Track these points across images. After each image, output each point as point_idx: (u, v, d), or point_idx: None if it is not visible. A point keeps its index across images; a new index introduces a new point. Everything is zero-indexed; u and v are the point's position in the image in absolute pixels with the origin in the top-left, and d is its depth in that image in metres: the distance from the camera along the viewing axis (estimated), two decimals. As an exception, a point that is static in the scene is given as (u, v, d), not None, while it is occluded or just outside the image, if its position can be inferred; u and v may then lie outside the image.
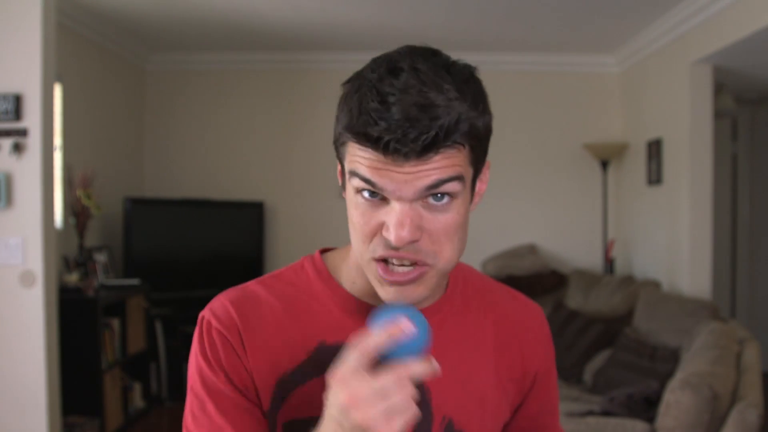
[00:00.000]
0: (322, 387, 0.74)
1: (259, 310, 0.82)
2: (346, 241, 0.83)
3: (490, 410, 0.86)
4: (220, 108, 5.17)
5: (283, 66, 5.13)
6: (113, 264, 4.35)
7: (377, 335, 0.68)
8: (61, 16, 3.58)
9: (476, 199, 0.78)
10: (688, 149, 3.91)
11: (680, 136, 4.02)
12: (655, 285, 4.07)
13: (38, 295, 2.99)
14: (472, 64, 0.75)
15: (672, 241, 4.16)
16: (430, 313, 0.83)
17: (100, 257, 4.14)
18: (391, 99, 0.67)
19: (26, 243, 2.98)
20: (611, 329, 3.73)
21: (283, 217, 5.11)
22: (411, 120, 0.66)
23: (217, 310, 0.82)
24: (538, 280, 4.85)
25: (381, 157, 0.68)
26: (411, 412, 0.66)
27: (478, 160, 0.73)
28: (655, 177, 4.36)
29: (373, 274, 0.75)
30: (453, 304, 0.86)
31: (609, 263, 4.79)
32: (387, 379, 0.66)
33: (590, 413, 2.80)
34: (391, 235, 0.69)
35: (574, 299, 4.53)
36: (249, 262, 4.86)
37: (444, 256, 0.73)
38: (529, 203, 5.16)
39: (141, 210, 4.47)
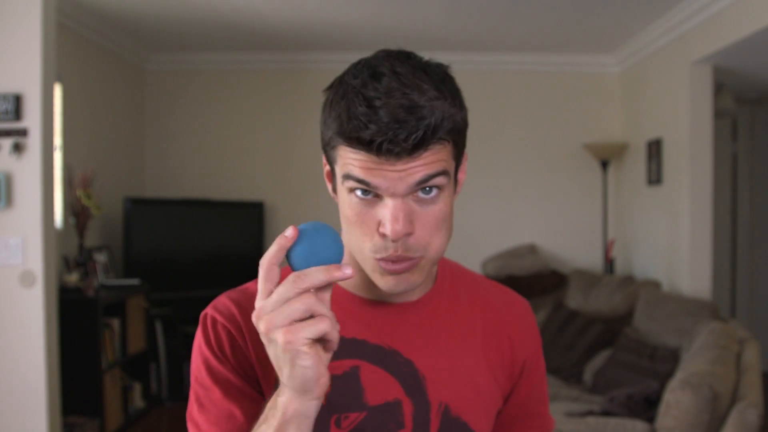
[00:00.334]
0: None
1: None
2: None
3: (483, 397, 0.89)
4: (220, 108, 5.17)
5: (283, 66, 5.13)
6: (113, 264, 4.35)
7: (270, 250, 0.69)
8: (61, 16, 3.59)
9: (458, 188, 0.83)
10: (688, 149, 3.91)
11: (680, 136, 4.02)
12: (655, 285, 4.07)
13: (38, 295, 2.99)
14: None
15: (672, 241, 4.16)
16: (422, 303, 0.88)
17: (100, 257, 4.14)
18: (377, 103, 0.71)
19: (26, 243, 2.98)
20: (611, 329, 3.73)
21: (283, 217, 5.11)
22: (399, 122, 0.70)
23: (221, 308, 0.84)
24: (538, 280, 4.85)
25: (373, 158, 0.72)
26: (320, 323, 0.65)
27: (459, 153, 0.79)
28: (655, 177, 4.37)
29: (374, 267, 0.78)
30: (443, 295, 0.90)
31: (609, 263, 4.79)
32: (284, 286, 0.66)
33: (590, 413, 2.80)
34: (387, 229, 0.74)
35: (574, 299, 4.53)
36: (249, 262, 4.85)
37: (435, 244, 0.78)
38: (529, 203, 5.16)
39: (141, 210, 4.47)
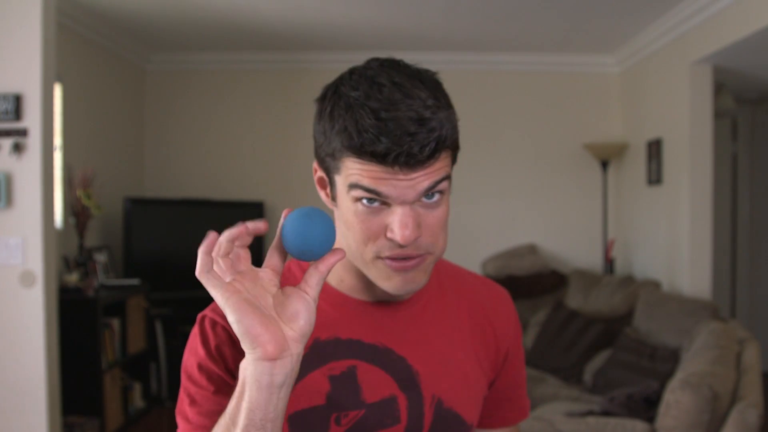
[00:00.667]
0: (321, 377, 0.85)
1: None
2: None
3: (472, 387, 0.94)
4: (220, 108, 5.17)
5: (283, 66, 5.13)
6: (113, 264, 4.35)
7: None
8: (61, 16, 3.58)
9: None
10: (688, 149, 3.91)
11: (680, 136, 4.02)
12: (655, 285, 4.07)
13: (38, 295, 2.99)
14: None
15: (672, 241, 4.16)
16: (413, 301, 0.92)
17: (100, 257, 4.14)
18: (384, 115, 0.73)
19: (26, 243, 2.98)
20: (611, 329, 3.73)
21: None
22: (411, 134, 0.73)
23: (220, 311, 0.85)
24: (538, 280, 4.85)
25: (386, 168, 0.75)
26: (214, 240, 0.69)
27: (455, 157, 0.83)
28: (655, 177, 4.37)
29: (379, 270, 0.81)
30: (431, 292, 0.94)
31: (609, 263, 4.79)
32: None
33: (590, 413, 2.80)
34: (397, 235, 0.77)
35: (574, 299, 4.53)
36: (249, 262, 4.84)
37: (439, 245, 0.82)
38: (529, 203, 5.16)
39: (141, 210, 4.47)
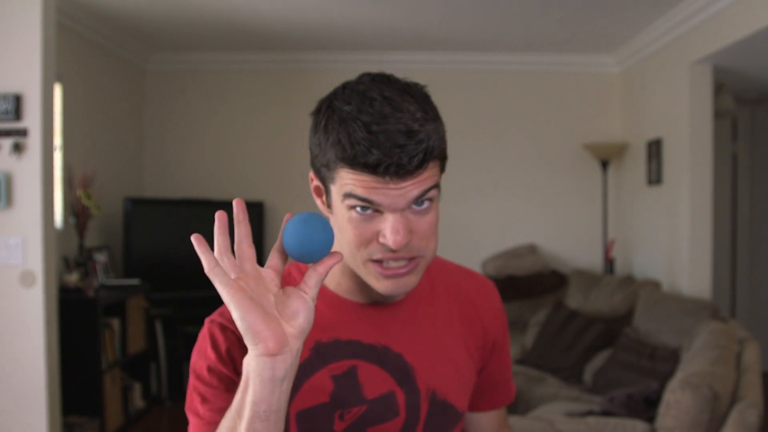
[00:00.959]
0: (325, 377, 0.91)
1: None
2: None
3: (463, 377, 1.00)
4: (220, 108, 5.17)
5: (283, 66, 5.13)
6: (113, 264, 4.35)
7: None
8: (61, 16, 3.59)
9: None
10: (688, 149, 3.91)
11: (680, 136, 4.02)
12: (655, 285, 4.07)
13: (38, 295, 2.99)
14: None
15: (672, 241, 4.16)
16: (407, 300, 0.97)
17: (100, 257, 4.14)
18: (375, 128, 0.78)
19: (26, 243, 2.98)
20: (611, 329, 3.73)
21: (283, 217, 5.11)
22: (400, 146, 0.78)
23: (229, 315, 0.89)
24: (538, 280, 4.85)
25: (377, 178, 0.79)
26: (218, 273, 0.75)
27: (444, 166, 0.88)
28: (655, 177, 4.37)
29: (370, 272, 0.86)
30: (423, 288, 0.99)
31: (609, 263, 4.79)
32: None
33: (590, 413, 2.80)
34: (389, 241, 0.82)
35: (574, 299, 4.53)
36: (249, 262, 4.84)
37: (430, 248, 0.87)
38: (529, 203, 5.16)
39: (141, 210, 4.47)
